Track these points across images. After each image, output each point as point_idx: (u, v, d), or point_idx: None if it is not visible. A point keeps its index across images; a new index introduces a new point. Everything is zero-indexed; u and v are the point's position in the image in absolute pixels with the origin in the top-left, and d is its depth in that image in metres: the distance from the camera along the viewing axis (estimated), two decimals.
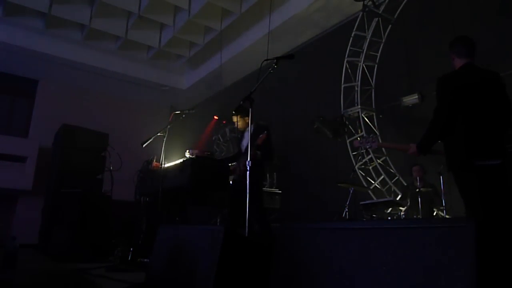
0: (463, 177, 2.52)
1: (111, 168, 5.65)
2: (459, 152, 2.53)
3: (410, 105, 5.34)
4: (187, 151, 4.10)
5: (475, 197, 2.44)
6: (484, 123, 2.53)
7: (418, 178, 4.57)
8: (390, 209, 5.00)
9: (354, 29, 6.00)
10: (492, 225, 2.29)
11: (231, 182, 4.08)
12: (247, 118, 4.34)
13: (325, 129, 5.99)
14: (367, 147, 3.11)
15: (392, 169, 5.54)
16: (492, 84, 2.65)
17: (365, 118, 5.86)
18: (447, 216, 4.31)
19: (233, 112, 4.37)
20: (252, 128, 4.31)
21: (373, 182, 5.55)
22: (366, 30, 5.94)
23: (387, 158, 5.63)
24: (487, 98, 2.59)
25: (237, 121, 4.36)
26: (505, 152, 2.48)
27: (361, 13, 5.92)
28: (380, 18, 5.87)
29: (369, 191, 5.39)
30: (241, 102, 3.10)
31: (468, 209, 2.54)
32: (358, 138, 3.06)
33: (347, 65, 6.03)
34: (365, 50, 5.94)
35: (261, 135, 3.88)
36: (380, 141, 4.45)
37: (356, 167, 5.65)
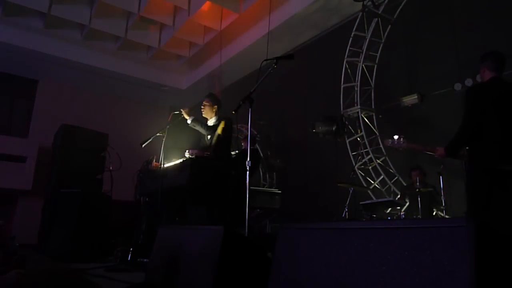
0: (482, 178, 2.74)
1: (111, 168, 5.65)
2: (487, 156, 2.75)
3: (410, 105, 5.35)
4: (187, 151, 4.10)
5: (484, 199, 2.68)
6: (509, 131, 2.75)
7: (418, 179, 4.57)
8: (390, 209, 5.00)
9: (354, 29, 6.00)
10: (494, 226, 2.38)
11: None
12: (216, 107, 4.30)
13: (325, 129, 5.98)
14: (397, 146, 3.37)
15: (391, 169, 5.54)
16: None
17: (365, 118, 5.86)
18: (447, 216, 4.31)
19: (207, 97, 4.32)
20: (214, 120, 4.28)
21: (372, 182, 5.55)
22: (366, 30, 5.94)
23: (387, 158, 5.63)
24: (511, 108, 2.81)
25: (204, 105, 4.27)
26: None
27: (360, 13, 5.93)
28: (379, 18, 5.87)
29: (369, 191, 5.39)
30: (241, 102, 3.10)
31: (474, 210, 2.77)
32: (392, 138, 3.40)
33: (347, 65, 6.03)
34: (364, 50, 5.94)
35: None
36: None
37: (356, 167, 5.65)
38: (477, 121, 2.81)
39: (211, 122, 4.27)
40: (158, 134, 4.29)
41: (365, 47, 5.94)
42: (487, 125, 2.79)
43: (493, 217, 2.60)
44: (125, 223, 5.61)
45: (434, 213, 4.66)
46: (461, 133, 2.91)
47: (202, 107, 4.28)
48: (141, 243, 4.50)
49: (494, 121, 2.78)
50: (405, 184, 5.24)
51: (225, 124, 4.07)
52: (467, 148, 2.96)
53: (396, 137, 3.38)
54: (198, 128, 4.19)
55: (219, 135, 4.04)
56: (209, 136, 4.20)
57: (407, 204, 4.87)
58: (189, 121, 4.19)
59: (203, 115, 4.32)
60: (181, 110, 4.20)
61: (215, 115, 4.28)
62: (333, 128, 5.81)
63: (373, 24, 5.92)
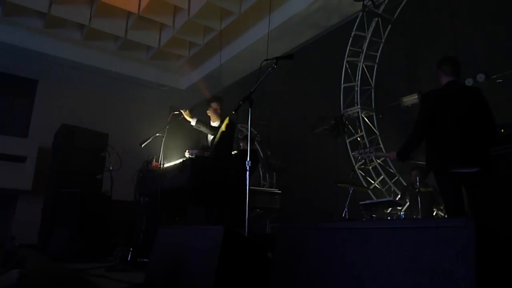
0: (438, 180, 2.95)
1: (111, 168, 5.65)
2: (436, 160, 2.93)
3: (410, 105, 5.34)
4: (187, 151, 4.10)
5: (448, 198, 2.91)
6: (460, 135, 2.83)
7: (417, 179, 4.57)
8: (390, 209, 4.99)
9: (354, 29, 6.00)
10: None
11: None
12: (221, 110, 4.31)
13: (325, 130, 5.99)
14: (366, 157, 3.77)
15: (391, 169, 5.54)
16: (471, 100, 2.93)
17: (365, 118, 5.86)
18: (446, 216, 4.31)
19: (213, 99, 4.34)
20: (218, 123, 4.29)
21: (372, 182, 5.55)
22: (366, 30, 5.94)
23: (387, 158, 5.63)
24: (465, 112, 2.88)
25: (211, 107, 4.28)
26: (484, 160, 2.79)
27: (360, 13, 5.93)
28: (379, 18, 5.87)
29: (369, 191, 5.39)
30: (241, 102, 3.10)
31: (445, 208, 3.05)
32: (360, 148, 3.85)
33: (347, 65, 6.03)
34: (364, 50, 5.94)
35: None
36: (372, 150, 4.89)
37: (356, 167, 5.65)
38: (427, 127, 2.95)
39: (215, 124, 4.28)
40: (157, 134, 4.28)
41: (365, 47, 5.94)
42: (439, 130, 2.90)
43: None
44: (125, 223, 5.61)
45: (434, 213, 4.66)
46: (410, 139, 3.08)
47: (212, 110, 4.29)
48: (141, 243, 4.50)
49: (446, 126, 2.88)
50: (405, 184, 5.24)
51: (229, 120, 4.09)
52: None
53: (365, 148, 3.75)
54: (203, 129, 4.19)
55: (223, 131, 4.05)
56: (211, 136, 4.21)
57: (407, 204, 4.87)
58: (193, 123, 4.18)
59: (211, 118, 4.34)
60: (181, 110, 4.21)
61: (219, 117, 4.31)
62: (332, 123, 5.82)
63: (373, 24, 5.92)
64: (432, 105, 2.98)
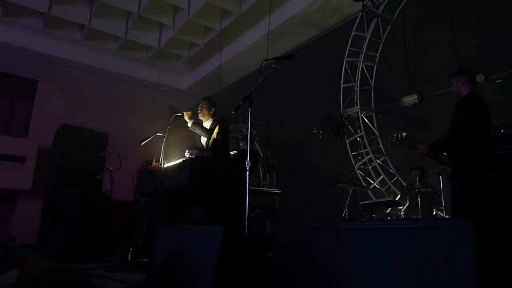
0: (471, 181, 2.92)
1: (111, 168, 5.65)
2: (478, 163, 2.93)
3: (409, 105, 5.34)
4: (187, 151, 4.09)
5: (471, 199, 2.89)
6: (491, 142, 3.03)
7: (417, 179, 4.57)
8: (390, 209, 5.00)
9: (354, 29, 6.00)
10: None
11: None
12: (213, 110, 4.30)
13: (325, 130, 5.99)
14: (399, 139, 3.37)
15: (391, 169, 5.54)
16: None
17: (365, 118, 5.86)
18: (446, 216, 4.31)
19: (204, 100, 4.33)
20: (210, 123, 4.28)
21: (372, 182, 5.55)
22: (366, 30, 5.94)
23: (387, 158, 5.63)
24: (489, 120, 3.08)
25: (200, 108, 4.24)
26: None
27: (360, 13, 5.93)
28: (379, 18, 5.87)
29: (369, 191, 5.39)
30: (241, 102, 3.09)
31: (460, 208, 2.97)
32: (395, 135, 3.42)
33: (347, 65, 6.03)
34: (364, 50, 5.94)
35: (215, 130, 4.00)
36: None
37: (356, 167, 5.65)
38: (471, 130, 2.98)
39: (207, 124, 4.27)
40: (158, 134, 4.28)
41: (365, 47, 5.94)
42: (476, 134, 2.97)
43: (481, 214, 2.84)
44: (125, 223, 5.61)
45: (434, 213, 4.66)
46: (454, 138, 3.06)
47: (199, 109, 4.28)
48: (141, 243, 4.50)
49: (481, 131, 2.97)
50: (404, 184, 5.24)
51: (220, 127, 4.07)
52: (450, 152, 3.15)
53: (404, 133, 3.42)
54: (198, 131, 4.19)
55: (214, 139, 4.04)
56: (205, 139, 4.20)
57: (407, 204, 4.87)
58: (189, 124, 4.19)
59: (200, 117, 4.32)
60: (183, 112, 4.20)
61: (211, 117, 4.28)
62: (334, 129, 5.83)
63: (373, 24, 5.93)
64: (480, 109, 3.05)
